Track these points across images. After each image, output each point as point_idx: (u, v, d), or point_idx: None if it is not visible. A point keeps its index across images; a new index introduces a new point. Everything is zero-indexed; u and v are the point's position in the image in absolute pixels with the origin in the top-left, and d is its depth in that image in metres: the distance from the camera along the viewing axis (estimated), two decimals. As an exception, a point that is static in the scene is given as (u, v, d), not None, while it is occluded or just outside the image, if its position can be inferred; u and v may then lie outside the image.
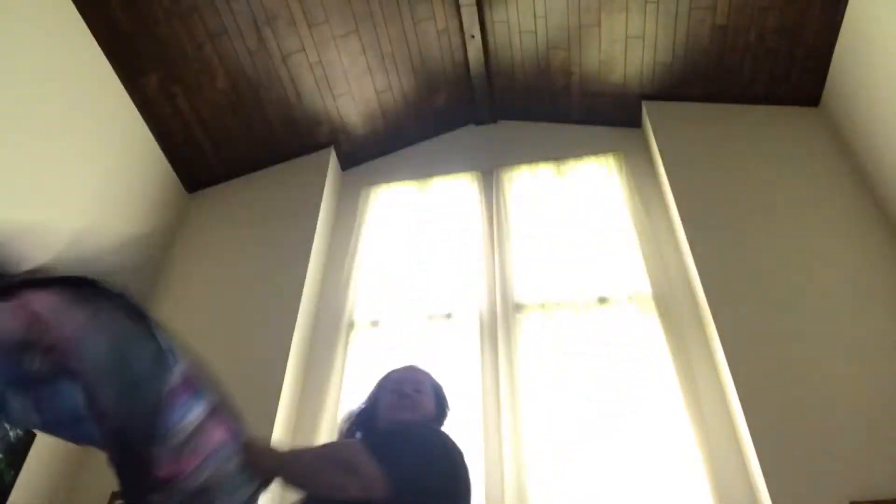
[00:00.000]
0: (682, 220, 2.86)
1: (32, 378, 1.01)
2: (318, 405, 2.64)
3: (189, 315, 3.06)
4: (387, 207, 3.52)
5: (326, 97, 3.53)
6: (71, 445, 2.58)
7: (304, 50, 3.31)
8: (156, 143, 3.41)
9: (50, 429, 1.10)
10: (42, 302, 1.04)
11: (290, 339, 2.81)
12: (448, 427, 1.61)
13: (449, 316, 2.93)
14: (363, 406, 1.63)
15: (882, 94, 2.66)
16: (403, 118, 3.75)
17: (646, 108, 3.42)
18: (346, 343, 2.91)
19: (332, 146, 3.69)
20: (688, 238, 2.79)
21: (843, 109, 2.97)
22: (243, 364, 2.60)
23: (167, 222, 3.46)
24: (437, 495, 1.28)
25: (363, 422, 1.59)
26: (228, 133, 3.54)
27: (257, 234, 3.33)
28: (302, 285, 3.02)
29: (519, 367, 2.61)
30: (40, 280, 1.08)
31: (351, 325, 2.99)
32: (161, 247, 3.37)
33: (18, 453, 2.31)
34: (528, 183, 3.38)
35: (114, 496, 2.41)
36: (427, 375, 1.67)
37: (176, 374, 1.08)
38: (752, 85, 3.22)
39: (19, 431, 2.33)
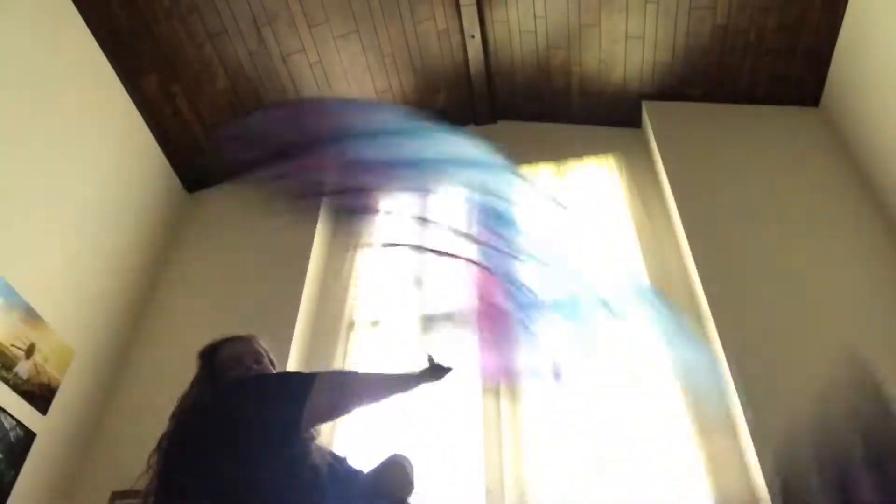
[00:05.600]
0: (682, 220, 2.86)
1: None
2: (318, 405, 2.64)
3: (189, 315, 3.06)
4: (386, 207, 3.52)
5: (326, 97, 3.52)
6: (71, 445, 2.58)
7: (304, 50, 3.31)
8: (156, 143, 3.41)
9: None
10: None
11: (291, 338, 2.81)
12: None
13: (450, 316, 2.93)
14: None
15: (882, 94, 2.66)
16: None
17: (646, 108, 3.42)
18: (347, 343, 2.91)
19: (332, 146, 3.69)
20: (688, 238, 2.79)
21: (843, 109, 2.96)
22: (243, 364, 2.60)
23: (167, 222, 3.46)
24: None
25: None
26: (228, 133, 3.53)
27: (257, 234, 3.33)
28: (302, 285, 3.02)
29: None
30: None
31: (351, 325, 2.99)
32: (161, 247, 3.37)
33: (18, 453, 2.31)
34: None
35: (114, 496, 2.41)
36: (258, 343, 1.57)
37: None
38: (752, 85, 3.22)
39: (19, 431, 2.33)
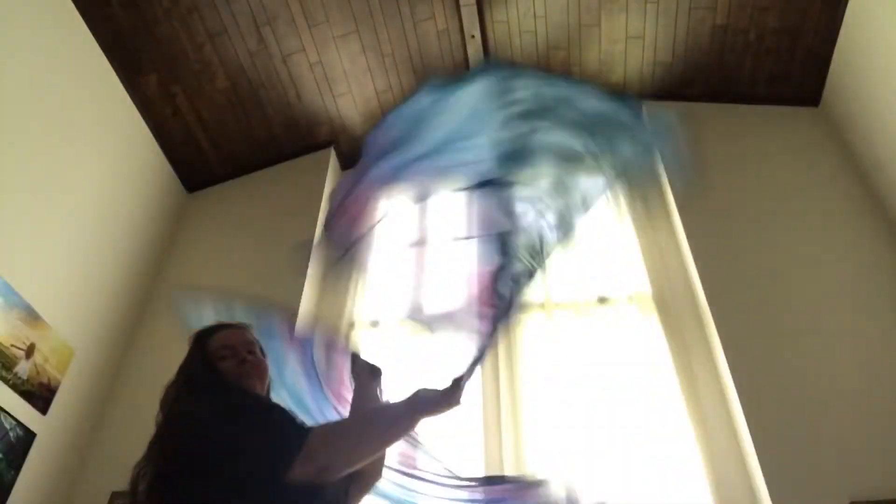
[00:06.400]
0: (682, 220, 2.86)
1: None
2: (318, 405, 2.64)
3: (189, 315, 3.06)
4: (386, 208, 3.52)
5: (326, 97, 3.53)
6: (71, 445, 2.58)
7: (304, 50, 3.31)
8: (156, 143, 3.41)
9: None
10: None
11: (290, 339, 2.81)
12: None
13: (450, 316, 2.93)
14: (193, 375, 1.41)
15: (882, 94, 2.66)
16: (403, 118, 3.74)
17: (646, 108, 3.42)
18: (347, 343, 2.91)
19: (332, 146, 3.69)
20: (688, 238, 2.79)
21: (843, 109, 2.97)
22: (243, 364, 2.60)
23: (167, 222, 3.46)
24: None
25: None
26: (228, 133, 3.53)
27: (257, 235, 3.33)
28: (302, 285, 3.02)
29: (519, 367, 2.62)
30: None
31: (351, 325, 2.99)
32: (161, 247, 3.37)
33: (18, 453, 2.31)
34: (528, 183, 3.38)
35: (114, 496, 2.41)
36: (252, 332, 1.53)
37: None
38: (752, 85, 3.22)
39: (19, 431, 2.33)
